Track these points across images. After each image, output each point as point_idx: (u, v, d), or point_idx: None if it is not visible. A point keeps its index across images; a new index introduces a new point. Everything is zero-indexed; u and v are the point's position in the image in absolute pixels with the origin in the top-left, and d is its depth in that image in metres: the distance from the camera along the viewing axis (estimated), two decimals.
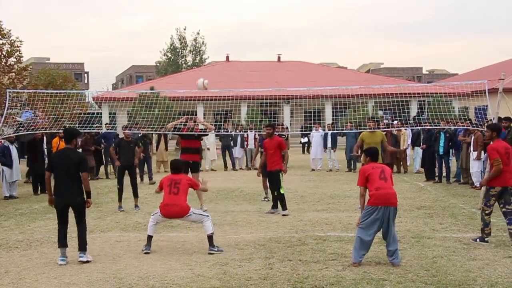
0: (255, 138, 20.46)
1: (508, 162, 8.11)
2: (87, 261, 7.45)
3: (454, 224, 9.66)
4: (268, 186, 11.72)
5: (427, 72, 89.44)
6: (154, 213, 8.22)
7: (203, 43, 60.65)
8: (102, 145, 18.61)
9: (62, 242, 7.47)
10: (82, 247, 7.48)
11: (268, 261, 7.33)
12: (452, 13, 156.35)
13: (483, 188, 10.73)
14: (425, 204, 11.84)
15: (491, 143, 8.44)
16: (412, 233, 8.90)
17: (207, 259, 7.47)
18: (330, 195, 13.59)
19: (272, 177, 11.21)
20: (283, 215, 10.75)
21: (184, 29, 60.40)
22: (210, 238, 7.90)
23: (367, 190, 7.27)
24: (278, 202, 11.05)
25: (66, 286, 6.45)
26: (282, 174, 11.10)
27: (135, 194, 12.10)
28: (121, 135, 13.41)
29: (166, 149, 19.81)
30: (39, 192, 14.61)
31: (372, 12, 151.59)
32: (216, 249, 7.84)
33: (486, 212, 8.27)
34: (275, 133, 11.63)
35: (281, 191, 10.96)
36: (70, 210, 7.58)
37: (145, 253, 7.87)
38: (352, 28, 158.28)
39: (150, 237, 8.06)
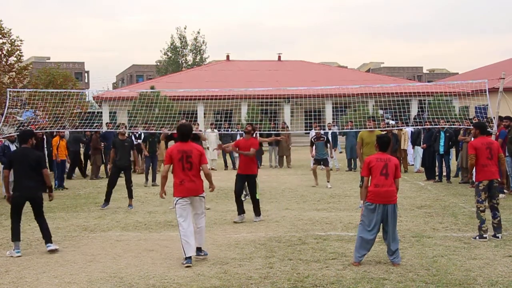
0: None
1: (491, 156, 8.49)
2: (56, 249, 7.87)
3: (454, 223, 9.66)
4: (241, 188, 10.64)
5: (428, 72, 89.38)
6: (177, 213, 7.29)
7: (203, 42, 60.82)
8: (102, 144, 18.63)
9: (18, 236, 7.94)
10: (49, 238, 8.03)
11: (268, 260, 7.33)
12: (452, 13, 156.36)
13: None
14: (425, 204, 11.84)
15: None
16: (413, 232, 8.90)
17: (207, 258, 7.47)
18: (331, 194, 13.59)
19: (246, 181, 10.41)
20: (255, 221, 10.14)
21: (185, 29, 60.71)
22: (199, 248, 7.45)
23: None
24: (244, 207, 10.32)
25: (67, 285, 6.46)
26: (257, 179, 10.44)
27: (130, 195, 11.99)
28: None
29: (166, 148, 19.80)
30: None
31: (372, 12, 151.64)
32: (203, 254, 7.45)
33: (481, 209, 8.46)
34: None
35: (257, 197, 10.27)
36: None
37: (187, 266, 7.06)
38: (353, 27, 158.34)
39: (189, 257, 7.17)
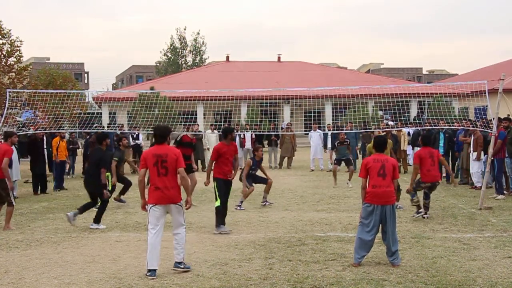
0: (252, 138, 20.57)
1: (434, 163, 10.05)
2: None
3: (454, 224, 9.66)
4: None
5: (427, 72, 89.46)
6: (148, 221, 6.95)
7: (203, 43, 60.85)
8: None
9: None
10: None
11: (268, 261, 7.33)
12: (452, 13, 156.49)
13: (483, 188, 11.01)
14: None
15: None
16: (412, 233, 8.90)
17: (206, 259, 7.47)
18: (330, 195, 13.60)
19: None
20: (214, 233, 9.17)
21: (184, 29, 60.70)
22: (179, 261, 6.91)
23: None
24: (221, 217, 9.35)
25: (66, 286, 6.45)
26: (216, 184, 9.43)
27: (123, 192, 12.41)
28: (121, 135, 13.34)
29: None
30: (39, 192, 14.64)
31: (372, 12, 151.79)
32: (182, 267, 6.87)
33: (412, 195, 10.22)
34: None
35: (216, 204, 9.34)
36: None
37: (151, 279, 6.64)
38: (353, 27, 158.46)
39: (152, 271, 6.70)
